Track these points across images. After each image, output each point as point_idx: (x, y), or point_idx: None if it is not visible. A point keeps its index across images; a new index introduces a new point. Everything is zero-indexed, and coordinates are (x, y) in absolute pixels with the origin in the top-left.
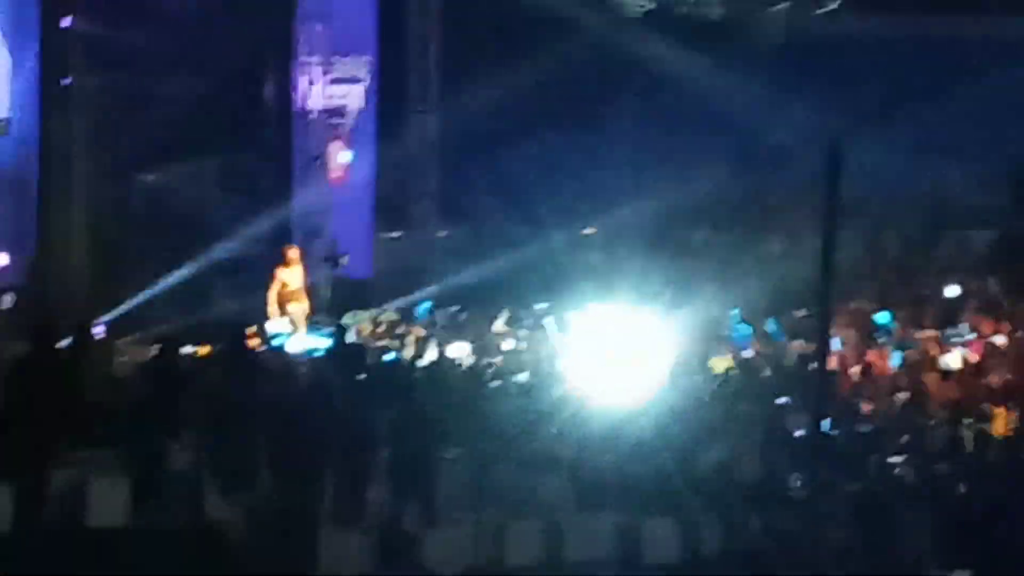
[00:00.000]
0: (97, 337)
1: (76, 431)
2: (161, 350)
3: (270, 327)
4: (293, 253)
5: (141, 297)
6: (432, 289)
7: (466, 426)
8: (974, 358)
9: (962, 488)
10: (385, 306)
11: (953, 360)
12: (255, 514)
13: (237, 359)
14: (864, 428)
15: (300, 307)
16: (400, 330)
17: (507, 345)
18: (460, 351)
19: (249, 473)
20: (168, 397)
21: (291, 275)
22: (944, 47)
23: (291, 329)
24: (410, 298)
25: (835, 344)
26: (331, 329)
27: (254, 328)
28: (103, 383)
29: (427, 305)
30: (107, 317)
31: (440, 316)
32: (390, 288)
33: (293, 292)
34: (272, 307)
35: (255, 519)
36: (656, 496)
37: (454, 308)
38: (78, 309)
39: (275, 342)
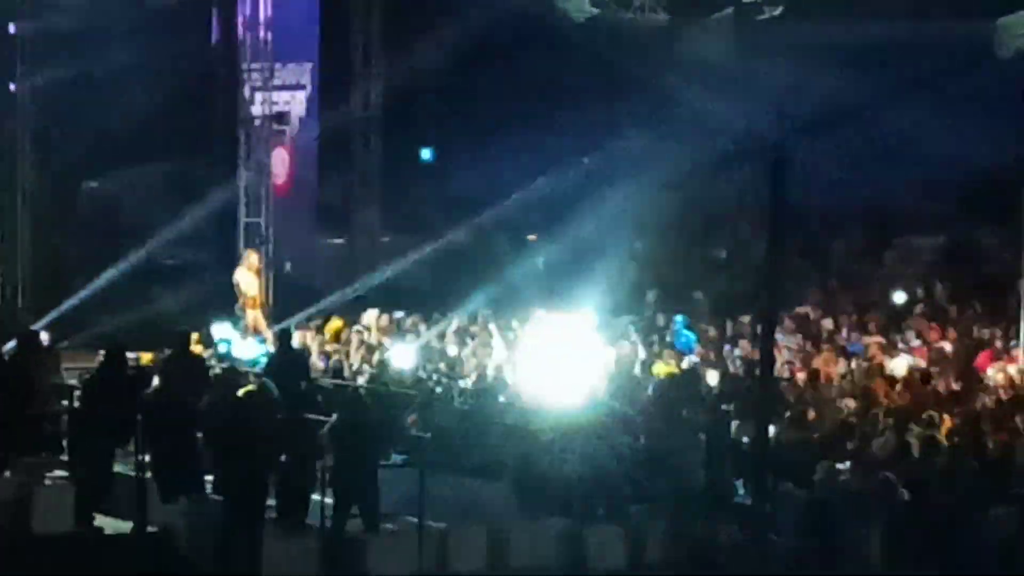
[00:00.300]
0: (43, 343)
1: (22, 437)
2: (106, 356)
3: (215, 332)
4: (253, 258)
5: (86, 303)
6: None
7: (410, 432)
8: (920, 364)
9: (909, 495)
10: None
11: (899, 366)
12: (199, 520)
13: (180, 366)
14: (810, 434)
15: (256, 313)
16: (344, 336)
17: (452, 351)
18: (404, 357)
19: (193, 480)
20: (113, 404)
21: (250, 280)
22: (889, 54)
23: (241, 335)
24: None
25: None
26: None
27: (198, 335)
28: (49, 389)
29: None
30: (52, 323)
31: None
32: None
33: (252, 298)
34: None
35: (199, 525)
36: (600, 503)
37: (398, 314)
38: (23, 315)
39: (220, 349)
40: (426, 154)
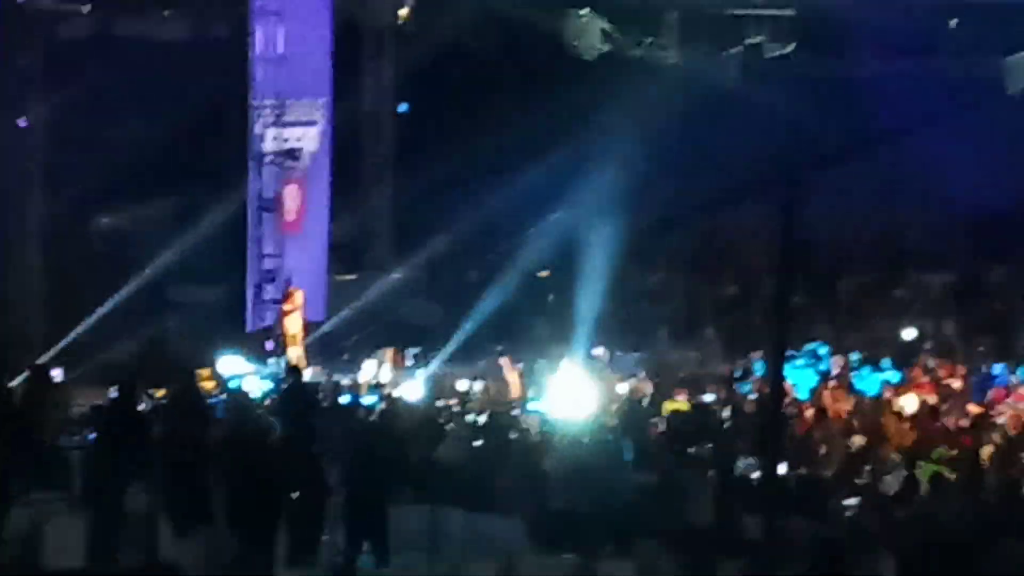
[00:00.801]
0: (55, 379)
1: (33, 471)
2: (118, 392)
3: (223, 366)
4: (297, 296)
5: (96, 337)
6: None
7: (420, 468)
8: (931, 400)
9: (919, 531)
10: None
11: (909, 403)
12: (210, 555)
13: (189, 401)
14: (819, 471)
15: (297, 351)
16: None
17: (462, 386)
18: (413, 392)
19: (204, 515)
20: (124, 439)
21: (292, 318)
22: (901, 90)
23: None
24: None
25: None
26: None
27: (209, 370)
28: (58, 423)
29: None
30: (61, 355)
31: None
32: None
33: (293, 336)
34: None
35: (210, 560)
36: (610, 537)
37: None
38: (34, 349)
39: (231, 384)
40: (439, 190)
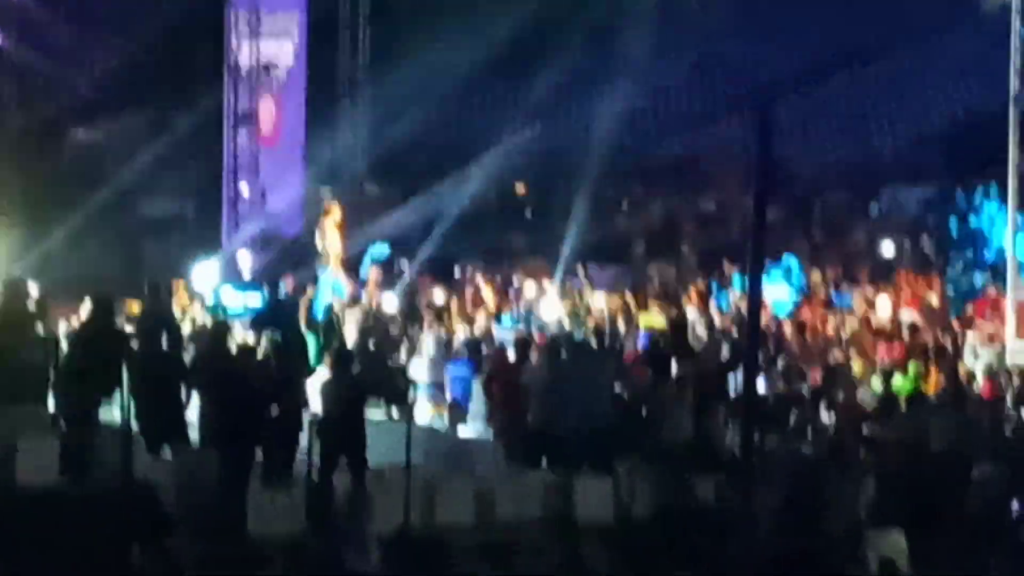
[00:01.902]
0: (30, 293)
1: (5, 388)
2: (93, 307)
3: (199, 272)
4: (336, 212)
5: (71, 254)
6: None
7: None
8: (909, 315)
9: (894, 446)
10: None
11: (882, 305)
12: (184, 472)
13: (165, 319)
14: (797, 386)
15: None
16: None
17: (438, 298)
18: (388, 304)
19: (179, 433)
20: (100, 355)
21: (333, 237)
22: (875, 6)
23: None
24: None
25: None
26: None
27: (183, 283)
28: (35, 340)
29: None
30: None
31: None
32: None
33: (336, 256)
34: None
35: (184, 477)
36: (588, 455)
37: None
38: (7, 267)
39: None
40: (415, 104)
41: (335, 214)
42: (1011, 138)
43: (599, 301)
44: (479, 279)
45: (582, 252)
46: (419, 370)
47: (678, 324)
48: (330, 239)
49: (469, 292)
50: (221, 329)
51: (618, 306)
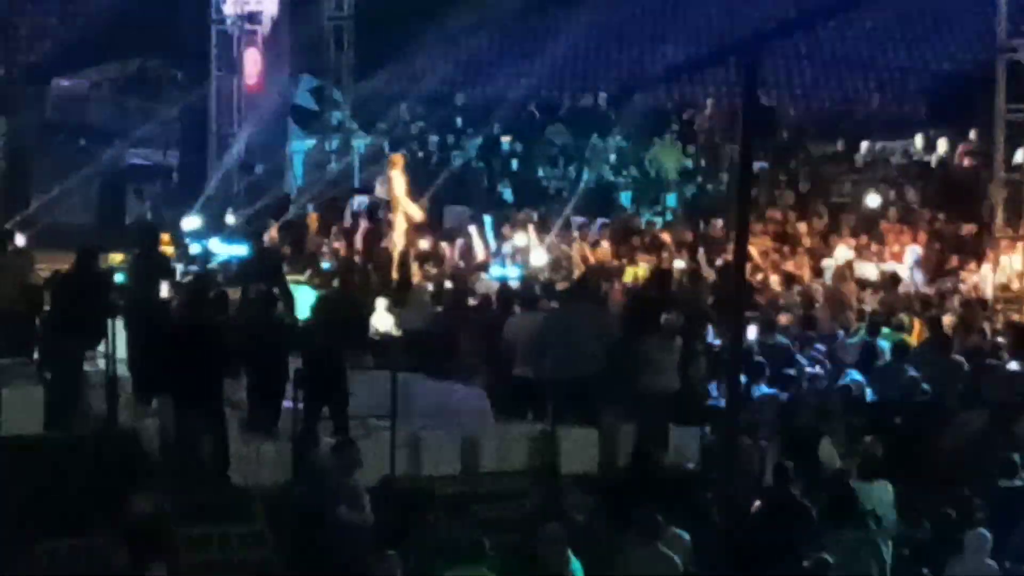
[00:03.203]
0: (16, 244)
1: None
2: (77, 257)
3: (186, 226)
4: (400, 163)
5: (56, 204)
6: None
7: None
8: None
9: (878, 398)
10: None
11: (870, 270)
12: (168, 422)
13: (148, 264)
14: (782, 338)
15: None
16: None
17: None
18: None
19: (164, 382)
20: (84, 305)
21: (398, 182)
22: None
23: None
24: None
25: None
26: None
27: (168, 235)
28: (19, 290)
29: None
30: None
31: None
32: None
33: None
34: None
35: (168, 427)
36: (572, 407)
37: None
38: None
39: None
40: (400, 53)
41: (399, 164)
42: (999, 87)
43: (586, 252)
44: (471, 229)
45: (570, 203)
46: (408, 319)
47: (662, 274)
48: (396, 188)
49: (460, 243)
50: (204, 280)
51: (604, 257)
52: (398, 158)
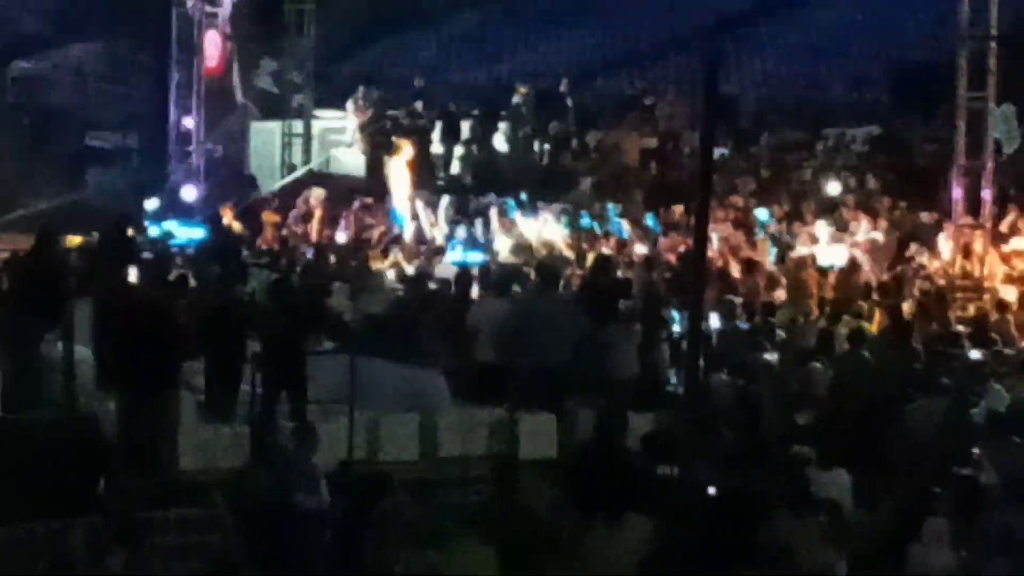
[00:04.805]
0: None
1: None
2: (37, 240)
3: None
4: (408, 149)
5: (16, 187)
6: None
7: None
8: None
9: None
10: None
11: (838, 256)
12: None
13: (114, 249)
14: (742, 325)
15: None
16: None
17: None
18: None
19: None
20: (43, 288)
21: (400, 171)
22: None
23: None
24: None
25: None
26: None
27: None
28: None
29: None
30: None
31: None
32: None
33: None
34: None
35: (127, 412)
36: (533, 392)
37: None
38: None
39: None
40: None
41: (405, 152)
42: (960, 75)
43: (547, 237)
44: (420, 211)
45: (530, 188)
46: (367, 303)
47: (603, 260)
48: (396, 176)
49: (413, 226)
50: (164, 263)
51: (565, 243)
52: (404, 144)
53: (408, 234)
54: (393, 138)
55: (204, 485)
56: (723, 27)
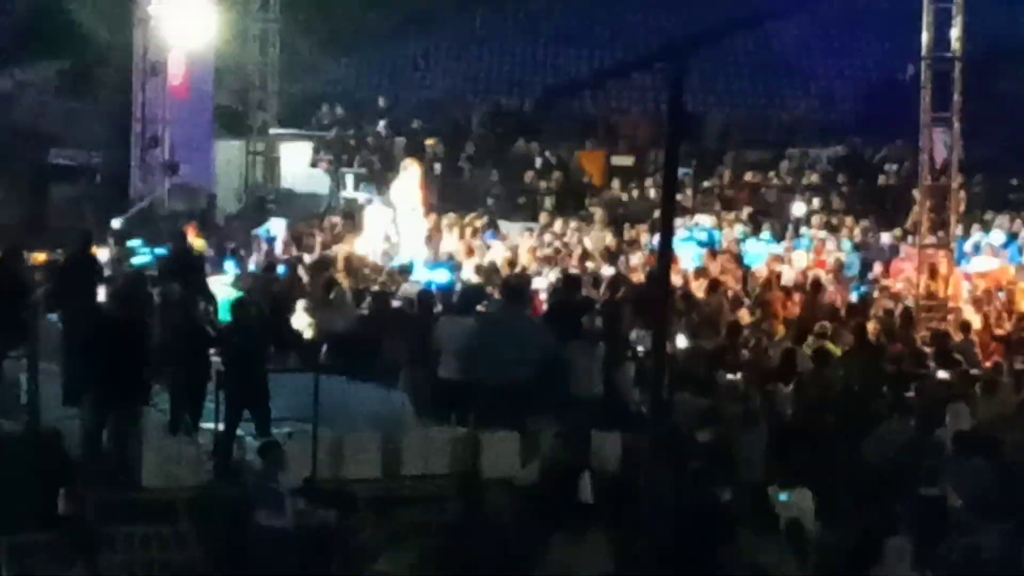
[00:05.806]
0: None
1: None
2: (1, 257)
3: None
4: (414, 168)
5: None
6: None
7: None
8: (817, 273)
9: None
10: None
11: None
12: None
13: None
14: (707, 345)
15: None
16: None
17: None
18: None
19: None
20: (8, 304)
21: (408, 189)
22: None
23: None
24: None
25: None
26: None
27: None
28: None
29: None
30: None
31: None
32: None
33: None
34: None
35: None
36: (496, 411)
37: None
38: None
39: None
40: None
41: (412, 171)
42: (924, 95)
43: (511, 255)
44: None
45: (492, 207)
46: (330, 322)
47: (569, 279)
48: (403, 194)
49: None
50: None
51: (529, 261)
52: (412, 164)
53: (396, 251)
54: (403, 159)
55: (168, 502)
56: (688, 46)
